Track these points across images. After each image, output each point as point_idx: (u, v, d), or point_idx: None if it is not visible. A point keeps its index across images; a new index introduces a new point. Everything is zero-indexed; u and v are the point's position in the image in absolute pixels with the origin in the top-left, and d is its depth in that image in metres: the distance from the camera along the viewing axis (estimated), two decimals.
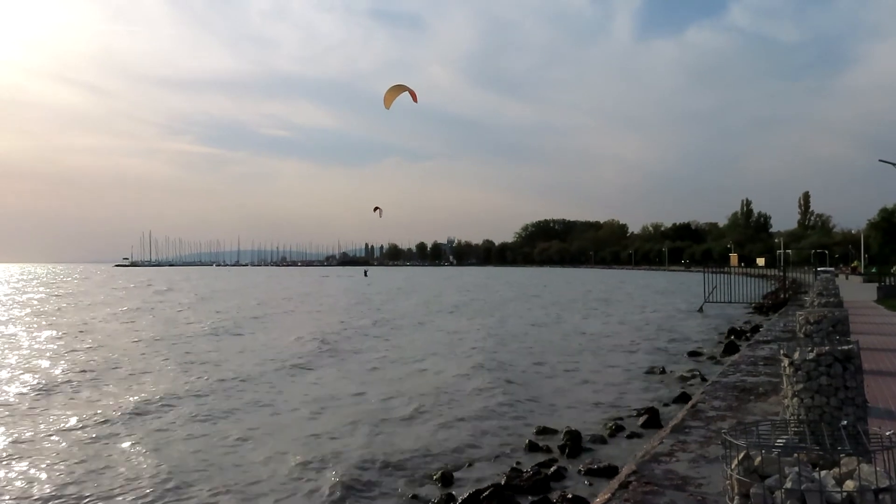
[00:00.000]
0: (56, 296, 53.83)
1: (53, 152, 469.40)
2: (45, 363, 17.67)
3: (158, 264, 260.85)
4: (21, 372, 16.34)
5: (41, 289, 67.40)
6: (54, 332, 25.17)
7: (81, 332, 25.70)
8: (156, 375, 15.96)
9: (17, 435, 10.42)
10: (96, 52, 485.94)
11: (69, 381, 15.01)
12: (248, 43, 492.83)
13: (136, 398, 13.07)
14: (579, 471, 8.17)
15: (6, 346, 21.52)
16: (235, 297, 52.51)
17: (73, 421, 11.23)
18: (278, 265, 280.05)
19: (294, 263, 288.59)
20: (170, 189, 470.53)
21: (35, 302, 45.34)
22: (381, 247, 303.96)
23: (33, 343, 22.19)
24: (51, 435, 10.43)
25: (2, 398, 13.23)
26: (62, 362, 17.77)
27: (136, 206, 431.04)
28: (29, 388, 14.19)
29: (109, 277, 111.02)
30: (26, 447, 9.77)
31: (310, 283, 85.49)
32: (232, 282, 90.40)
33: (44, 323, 29.46)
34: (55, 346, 21.18)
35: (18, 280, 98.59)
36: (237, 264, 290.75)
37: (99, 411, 11.94)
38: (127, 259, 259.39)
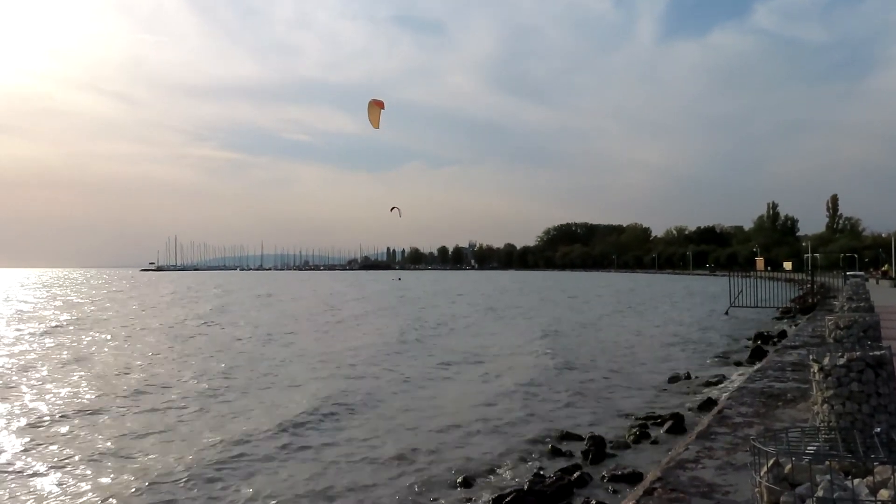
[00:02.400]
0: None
1: (83, 159, 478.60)
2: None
3: (184, 269, 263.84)
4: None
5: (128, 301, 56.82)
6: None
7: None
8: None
9: None
10: (125, 61, 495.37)
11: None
12: (272, 51, 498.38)
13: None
14: (603, 477, 8.08)
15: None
16: (360, 303, 49.78)
17: None
18: (301, 269, 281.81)
19: (317, 267, 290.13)
20: (194, 194, 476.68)
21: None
22: (403, 251, 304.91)
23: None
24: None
25: None
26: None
27: (162, 212, 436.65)
28: None
29: (167, 284, 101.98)
30: None
31: (378, 287, 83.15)
32: (290, 286, 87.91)
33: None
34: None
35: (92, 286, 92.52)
36: (260, 268, 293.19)
37: None
38: (153, 263, 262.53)
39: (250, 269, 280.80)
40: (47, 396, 13.84)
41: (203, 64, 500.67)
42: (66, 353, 20.82)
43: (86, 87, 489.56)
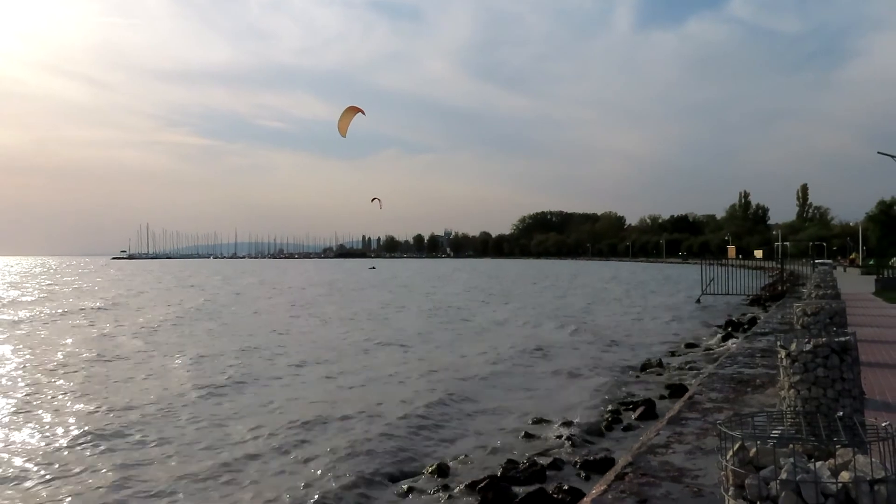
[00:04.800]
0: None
1: (52, 145, 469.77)
2: None
3: (156, 257, 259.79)
4: None
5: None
6: None
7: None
8: None
9: None
10: (95, 45, 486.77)
11: None
12: (246, 35, 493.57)
13: None
14: (575, 462, 8.16)
15: None
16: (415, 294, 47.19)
17: None
18: (275, 257, 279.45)
19: (291, 256, 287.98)
20: (167, 181, 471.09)
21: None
22: (379, 239, 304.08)
23: None
24: None
25: None
26: None
27: (133, 199, 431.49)
28: None
29: (199, 277, 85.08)
30: None
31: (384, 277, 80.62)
32: (303, 277, 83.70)
33: None
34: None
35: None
36: (234, 256, 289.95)
37: None
38: (125, 252, 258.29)
39: (224, 258, 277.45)
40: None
41: (176, 48, 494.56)
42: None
43: (55, 71, 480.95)
